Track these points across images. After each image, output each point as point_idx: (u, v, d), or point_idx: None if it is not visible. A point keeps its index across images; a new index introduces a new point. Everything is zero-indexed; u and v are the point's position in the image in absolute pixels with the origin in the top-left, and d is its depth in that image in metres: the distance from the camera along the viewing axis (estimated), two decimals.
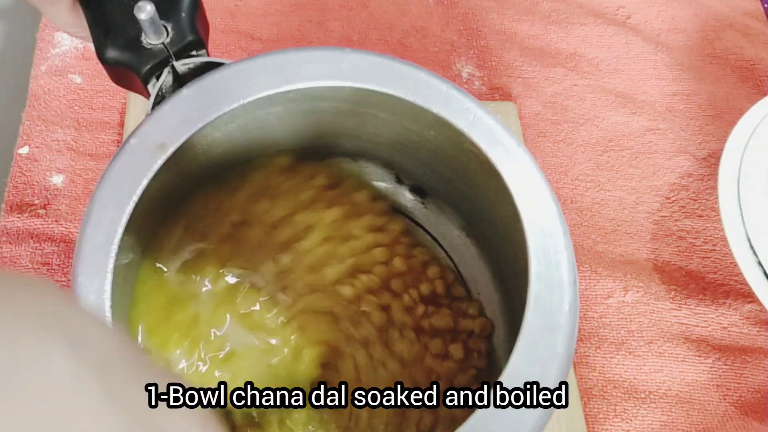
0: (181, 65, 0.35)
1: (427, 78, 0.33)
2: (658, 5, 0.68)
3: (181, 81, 0.35)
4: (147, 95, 0.36)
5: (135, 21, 0.34)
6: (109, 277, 0.28)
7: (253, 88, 0.32)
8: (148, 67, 0.34)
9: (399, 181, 0.44)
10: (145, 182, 0.30)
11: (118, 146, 0.53)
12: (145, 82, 0.35)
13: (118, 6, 0.36)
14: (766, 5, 0.69)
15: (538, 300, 0.30)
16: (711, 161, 0.59)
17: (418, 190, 0.44)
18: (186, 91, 0.32)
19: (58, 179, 0.51)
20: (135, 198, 0.29)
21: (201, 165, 0.36)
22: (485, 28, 0.64)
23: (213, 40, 0.60)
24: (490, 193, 0.35)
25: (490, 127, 0.33)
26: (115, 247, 0.28)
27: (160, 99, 0.35)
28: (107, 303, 0.28)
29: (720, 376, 0.49)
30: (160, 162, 0.30)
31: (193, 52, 0.35)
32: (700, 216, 0.56)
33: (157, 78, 0.35)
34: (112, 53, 0.35)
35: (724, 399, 0.49)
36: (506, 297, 0.41)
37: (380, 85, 0.33)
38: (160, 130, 0.31)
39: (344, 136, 0.40)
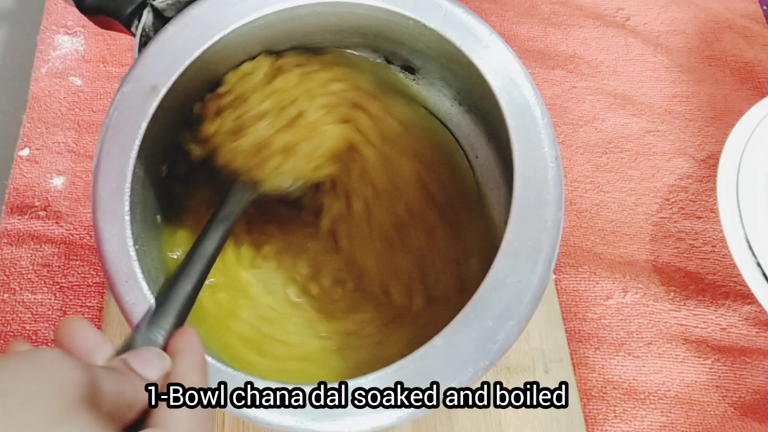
0: (160, 2, 0.35)
1: None
2: (658, 7, 0.68)
3: (162, 17, 0.35)
4: (132, 35, 0.36)
5: None
6: (127, 219, 0.29)
7: (232, 16, 0.33)
8: (129, 11, 0.34)
9: (388, 61, 0.45)
10: (144, 125, 0.31)
11: None
12: (128, 26, 0.35)
13: None
14: (765, 7, 0.69)
15: (523, 180, 0.32)
16: (710, 163, 0.59)
17: (408, 69, 0.45)
18: (170, 29, 0.33)
19: (58, 181, 0.51)
20: (137, 141, 0.31)
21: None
22: None
23: None
24: (473, 75, 0.37)
25: (462, 20, 0.35)
26: (127, 189, 0.30)
27: (145, 39, 0.35)
28: (130, 243, 0.29)
29: (719, 377, 0.49)
30: (155, 104, 0.31)
31: None
32: (699, 217, 0.56)
33: (139, 19, 0.35)
34: (92, 1, 0.35)
35: (724, 400, 0.49)
36: (504, 158, 0.43)
37: None
38: (150, 72, 0.32)
39: (327, 32, 0.41)
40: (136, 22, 0.35)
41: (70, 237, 0.49)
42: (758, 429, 0.48)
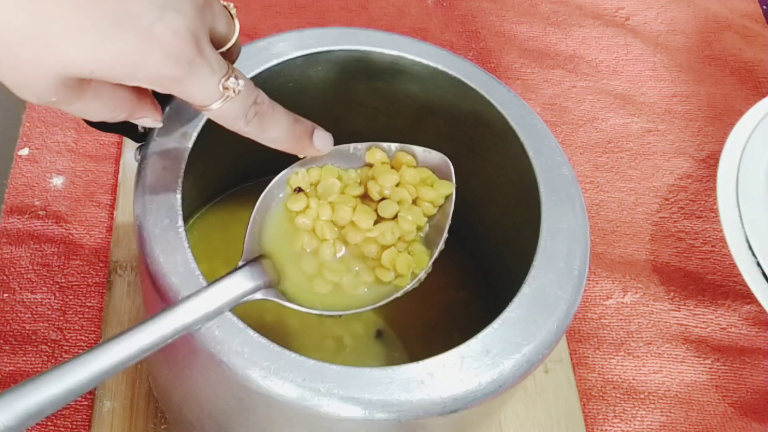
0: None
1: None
2: (657, 7, 0.68)
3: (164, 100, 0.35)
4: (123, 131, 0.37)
5: None
6: (188, 248, 0.30)
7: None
8: None
9: None
10: (183, 165, 0.32)
11: (118, 147, 0.53)
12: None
13: None
14: (764, 7, 0.69)
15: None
16: (710, 162, 0.59)
17: None
18: None
19: (58, 181, 0.51)
20: (180, 180, 0.32)
21: None
22: (484, 30, 0.64)
23: None
24: None
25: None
26: (181, 224, 0.31)
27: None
28: (197, 272, 0.30)
29: (719, 376, 0.50)
30: (189, 146, 0.33)
31: None
32: (699, 217, 0.56)
33: None
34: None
35: (723, 400, 0.49)
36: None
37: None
38: (176, 122, 0.34)
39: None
40: None
41: (70, 237, 0.49)
42: (758, 429, 0.48)
